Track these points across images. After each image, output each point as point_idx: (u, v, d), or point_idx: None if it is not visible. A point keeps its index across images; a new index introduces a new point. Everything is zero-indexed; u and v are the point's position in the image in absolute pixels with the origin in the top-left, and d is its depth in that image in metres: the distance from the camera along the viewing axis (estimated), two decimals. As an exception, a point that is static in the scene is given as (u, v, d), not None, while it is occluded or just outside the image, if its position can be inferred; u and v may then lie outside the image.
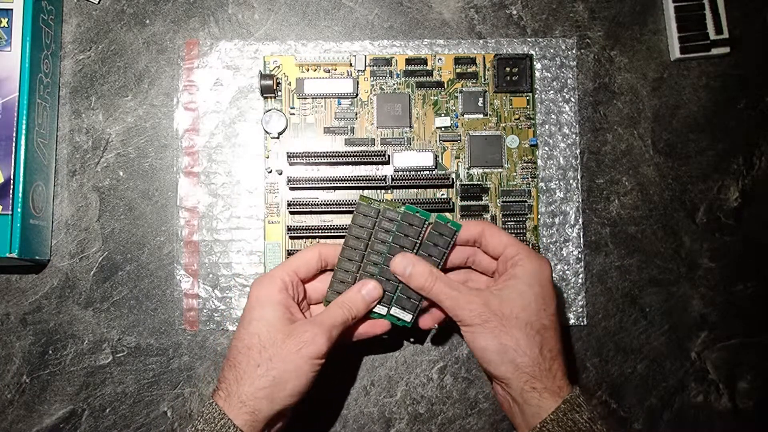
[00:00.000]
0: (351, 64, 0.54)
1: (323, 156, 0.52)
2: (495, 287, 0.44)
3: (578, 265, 0.53)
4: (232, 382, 0.42)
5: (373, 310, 0.46)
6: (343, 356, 0.52)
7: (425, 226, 0.45)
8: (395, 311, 0.46)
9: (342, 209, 0.52)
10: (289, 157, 0.52)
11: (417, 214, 0.45)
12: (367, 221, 0.46)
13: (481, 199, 0.54)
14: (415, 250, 0.45)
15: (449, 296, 0.43)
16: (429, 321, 0.47)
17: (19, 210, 0.49)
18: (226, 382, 0.42)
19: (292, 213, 0.53)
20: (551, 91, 0.55)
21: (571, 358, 0.53)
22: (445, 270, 0.46)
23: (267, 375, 0.41)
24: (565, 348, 0.53)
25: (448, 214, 0.52)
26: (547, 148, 0.54)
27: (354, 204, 0.52)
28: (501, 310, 0.42)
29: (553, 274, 0.53)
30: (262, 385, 0.41)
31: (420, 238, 0.45)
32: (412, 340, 0.53)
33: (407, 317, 0.46)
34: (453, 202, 0.53)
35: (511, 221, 0.53)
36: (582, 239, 0.53)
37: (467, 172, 0.54)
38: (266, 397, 0.41)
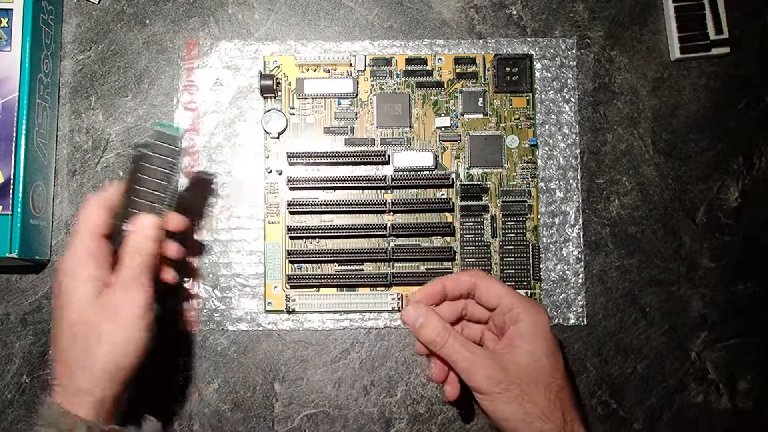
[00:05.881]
0: (351, 64, 0.54)
1: (323, 156, 0.52)
2: (505, 349, 0.42)
3: (578, 265, 0.53)
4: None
5: None
6: (342, 356, 0.52)
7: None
8: None
9: (342, 209, 0.52)
10: (289, 157, 0.52)
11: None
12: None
13: (481, 199, 0.54)
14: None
15: (464, 358, 0.41)
16: (453, 392, 0.45)
17: (19, 210, 0.49)
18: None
19: (292, 213, 0.53)
20: (551, 91, 0.55)
21: (571, 358, 0.53)
22: None
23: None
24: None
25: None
26: (547, 148, 0.54)
27: (354, 204, 0.52)
28: (519, 376, 0.40)
29: (553, 274, 0.53)
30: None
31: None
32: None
33: None
34: (453, 202, 0.53)
35: (511, 221, 0.53)
36: (582, 239, 0.53)
37: (467, 172, 0.54)
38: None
